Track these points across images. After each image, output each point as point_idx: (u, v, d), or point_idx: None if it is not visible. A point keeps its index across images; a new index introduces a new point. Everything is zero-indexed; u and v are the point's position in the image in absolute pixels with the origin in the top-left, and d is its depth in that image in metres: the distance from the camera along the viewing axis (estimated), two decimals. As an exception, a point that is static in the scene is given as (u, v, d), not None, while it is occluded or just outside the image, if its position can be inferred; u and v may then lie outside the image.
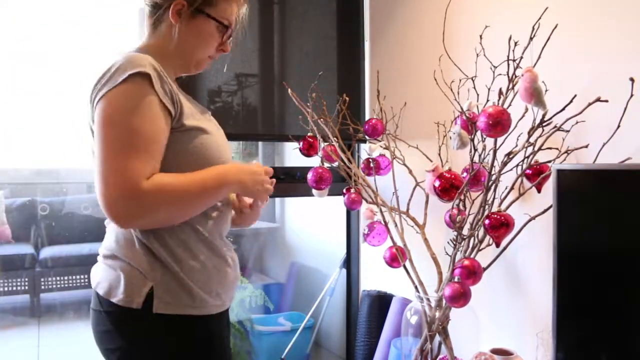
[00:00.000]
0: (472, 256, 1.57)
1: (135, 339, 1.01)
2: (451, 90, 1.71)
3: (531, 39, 1.42)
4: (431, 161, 1.69)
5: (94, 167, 0.97)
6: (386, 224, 1.83)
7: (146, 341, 1.01)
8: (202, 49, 1.12)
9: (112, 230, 1.06)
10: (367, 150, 1.96)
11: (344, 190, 1.90)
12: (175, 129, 1.02)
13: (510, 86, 1.48)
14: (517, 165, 1.53)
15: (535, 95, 1.33)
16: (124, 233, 1.03)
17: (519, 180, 1.54)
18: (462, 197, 1.66)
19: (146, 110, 0.95)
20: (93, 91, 0.98)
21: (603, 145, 1.34)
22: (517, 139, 1.54)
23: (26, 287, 3.72)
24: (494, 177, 1.53)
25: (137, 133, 0.94)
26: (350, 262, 2.57)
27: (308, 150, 1.86)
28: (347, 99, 1.96)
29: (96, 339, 1.05)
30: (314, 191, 1.85)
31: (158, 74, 0.99)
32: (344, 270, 2.60)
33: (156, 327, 1.00)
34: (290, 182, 2.19)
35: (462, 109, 1.60)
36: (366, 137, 1.98)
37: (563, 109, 1.37)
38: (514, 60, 1.46)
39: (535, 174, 1.50)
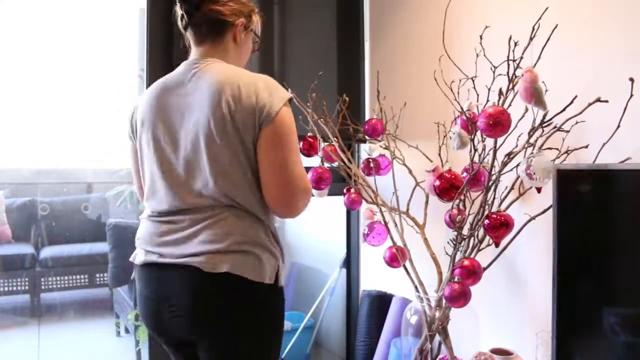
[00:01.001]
0: (472, 256, 1.57)
1: (268, 308, 1.21)
2: (451, 90, 1.71)
3: (531, 39, 1.42)
4: (431, 161, 1.69)
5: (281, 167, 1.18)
6: (386, 224, 1.83)
7: (275, 307, 1.23)
8: (246, 57, 1.37)
9: (248, 223, 1.20)
10: (367, 150, 1.96)
11: (344, 190, 1.90)
12: None
13: (510, 86, 1.48)
14: (517, 166, 1.53)
15: (536, 96, 1.33)
16: (262, 224, 1.22)
17: (519, 180, 1.54)
18: (462, 197, 1.66)
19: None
20: (270, 99, 1.17)
21: (603, 145, 1.34)
22: (517, 139, 1.54)
23: (26, 287, 3.72)
24: (494, 177, 1.53)
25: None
26: (350, 262, 2.57)
27: (308, 150, 1.86)
28: (347, 99, 1.96)
29: (215, 315, 1.16)
30: (314, 191, 1.85)
31: None
32: (344, 270, 2.60)
33: (276, 296, 1.23)
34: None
35: (462, 109, 1.60)
36: (366, 137, 1.98)
37: (564, 109, 1.37)
38: (514, 61, 1.46)
39: (535, 174, 1.50)
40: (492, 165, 1.52)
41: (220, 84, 1.17)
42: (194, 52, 1.29)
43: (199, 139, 1.17)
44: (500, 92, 1.49)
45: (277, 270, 1.22)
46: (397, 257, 1.75)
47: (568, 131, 1.44)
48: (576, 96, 1.36)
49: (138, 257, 1.26)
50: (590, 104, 1.34)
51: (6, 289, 3.66)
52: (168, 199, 1.22)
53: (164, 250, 1.20)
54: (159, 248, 1.21)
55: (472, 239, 1.59)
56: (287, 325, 2.67)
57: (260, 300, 1.19)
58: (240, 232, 1.18)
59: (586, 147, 1.42)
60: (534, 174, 1.37)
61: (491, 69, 1.55)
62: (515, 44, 1.45)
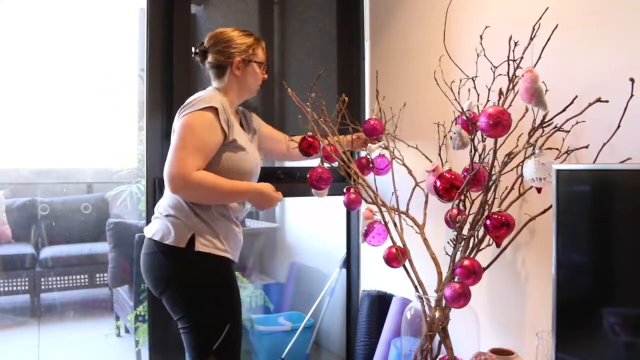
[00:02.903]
0: (472, 256, 1.56)
1: (183, 267, 1.58)
2: (451, 90, 1.71)
3: (531, 39, 1.41)
4: (431, 161, 1.69)
5: (168, 153, 1.55)
6: (386, 224, 1.83)
7: (190, 268, 1.58)
8: (255, 82, 1.75)
9: (168, 198, 1.62)
10: (366, 150, 1.96)
11: (344, 190, 1.90)
12: (226, 144, 1.61)
13: (511, 86, 1.48)
14: (518, 166, 1.53)
15: (536, 96, 1.33)
16: (178, 200, 1.59)
17: (519, 180, 1.54)
18: (462, 197, 1.66)
19: (209, 128, 1.56)
20: (181, 109, 1.60)
21: (603, 145, 1.34)
22: (518, 139, 1.54)
23: (26, 287, 3.72)
24: (494, 177, 1.53)
25: (199, 139, 1.54)
26: (350, 262, 2.57)
27: (308, 149, 1.85)
28: (346, 99, 1.96)
29: (148, 273, 1.62)
30: (313, 191, 1.85)
31: (222, 108, 1.60)
32: (344, 270, 2.60)
33: (197, 260, 1.58)
34: (290, 182, 2.18)
35: (462, 109, 1.60)
36: (366, 137, 1.97)
37: (564, 109, 1.36)
38: (514, 61, 1.46)
39: (535, 174, 1.49)
40: (492, 165, 1.52)
41: None
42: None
43: None
44: (501, 92, 1.49)
45: (193, 238, 1.57)
46: (397, 257, 1.74)
47: (568, 131, 1.43)
48: (576, 96, 1.36)
49: None
50: (590, 104, 1.34)
51: (6, 289, 3.66)
52: None
53: None
54: None
55: (472, 239, 1.59)
56: (287, 325, 2.67)
57: (166, 256, 1.58)
58: (164, 206, 1.62)
59: (586, 147, 1.42)
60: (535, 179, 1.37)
61: (491, 69, 1.55)
62: (515, 44, 1.45)
